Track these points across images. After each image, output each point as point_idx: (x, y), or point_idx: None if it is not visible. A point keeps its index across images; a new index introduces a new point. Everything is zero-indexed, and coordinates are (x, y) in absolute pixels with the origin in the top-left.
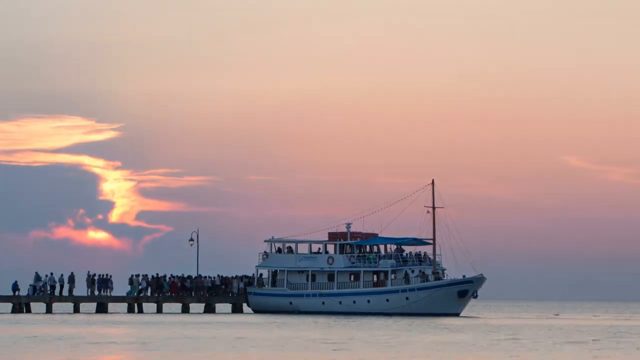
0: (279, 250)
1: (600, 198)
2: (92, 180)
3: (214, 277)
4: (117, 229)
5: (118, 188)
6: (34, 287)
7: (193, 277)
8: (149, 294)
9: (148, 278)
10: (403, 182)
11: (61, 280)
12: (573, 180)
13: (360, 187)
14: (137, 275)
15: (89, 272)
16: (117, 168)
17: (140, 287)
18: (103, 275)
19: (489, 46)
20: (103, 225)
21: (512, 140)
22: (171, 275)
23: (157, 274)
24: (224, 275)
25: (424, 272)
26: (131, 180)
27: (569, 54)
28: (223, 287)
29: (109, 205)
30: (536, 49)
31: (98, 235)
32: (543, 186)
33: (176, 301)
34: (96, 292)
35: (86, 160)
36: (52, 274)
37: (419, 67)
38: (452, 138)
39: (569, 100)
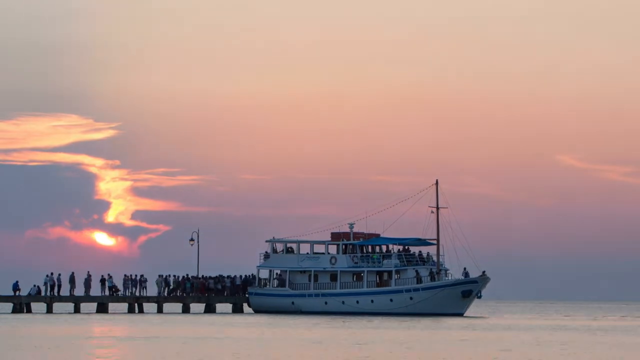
0: (280, 250)
1: (600, 197)
2: (89, 180)
3: (225, 277)
4: (113, 229)
5: (114, 187)
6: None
7: (206, 277)
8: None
9: (167, 278)
10: (407, 182)
11: (59, 280)
12: (575, 181)
13: (362, 187)
14: (161, 276)
15: (126, 274)
16: (116, 167)
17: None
18: (134, 276)
19: (490, 47)
20: (99, 224)
21: (515, 141)
22: (187, 275)
23: (176, 275)
24: (232, 276)
25: (417, 272)
26: (128, 179)
27: (567, 54)
28: (231, 287)
29: (105, 205)
30: (535, 49)
31: (94, 235)
32: (544, 187)
33: (176, 301)
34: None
35: (84, 159)
36: (52, 273)
37: (422, 68)
38: (455, 138)
39: (570, 100)
